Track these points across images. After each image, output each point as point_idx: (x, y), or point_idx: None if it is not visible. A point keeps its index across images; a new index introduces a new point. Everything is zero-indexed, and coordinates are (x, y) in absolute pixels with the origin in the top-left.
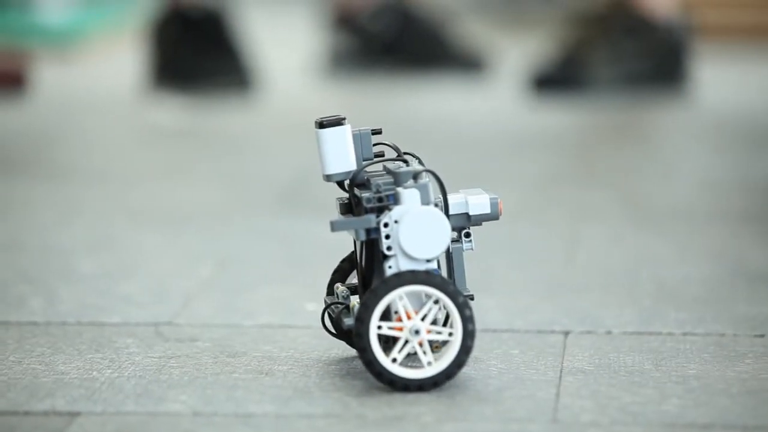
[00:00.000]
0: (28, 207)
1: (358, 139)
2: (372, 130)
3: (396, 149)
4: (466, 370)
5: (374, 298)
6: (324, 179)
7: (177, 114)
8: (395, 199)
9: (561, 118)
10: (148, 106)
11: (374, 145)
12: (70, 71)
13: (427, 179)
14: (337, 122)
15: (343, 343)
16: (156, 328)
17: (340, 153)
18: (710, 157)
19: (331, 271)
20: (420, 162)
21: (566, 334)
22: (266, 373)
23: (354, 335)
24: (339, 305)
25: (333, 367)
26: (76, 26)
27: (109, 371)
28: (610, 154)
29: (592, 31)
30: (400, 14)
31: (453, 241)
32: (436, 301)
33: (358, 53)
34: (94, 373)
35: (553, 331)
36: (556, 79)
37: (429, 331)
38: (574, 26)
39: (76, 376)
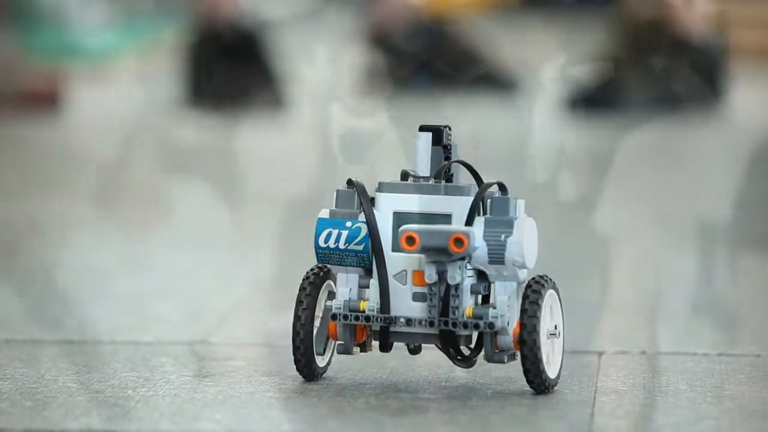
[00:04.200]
0: (64, 227)
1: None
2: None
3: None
4: (501, 391)
5: None
6: None
7: (211, 133)
8: None
9: (595, 137)
10: (183, 126)
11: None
12: (104, 90)
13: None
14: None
15: (377, 362)
16: (191, 347)
17: (414, 159)
18: (744, 177)
19: None
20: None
21: (600, 354)
22: (300, 393)
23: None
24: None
25: (367, 386)
26: (110, 46)
27: (144, 390)
28: (643, 173)
29: (627, 51)
30: (434, 33)
31: None
32: None
33: (393, 72)
34: (129, 391)
35: (587, 352)
36: (591, 99)
37: None
38: (609, 46)
39: (111, 394)
